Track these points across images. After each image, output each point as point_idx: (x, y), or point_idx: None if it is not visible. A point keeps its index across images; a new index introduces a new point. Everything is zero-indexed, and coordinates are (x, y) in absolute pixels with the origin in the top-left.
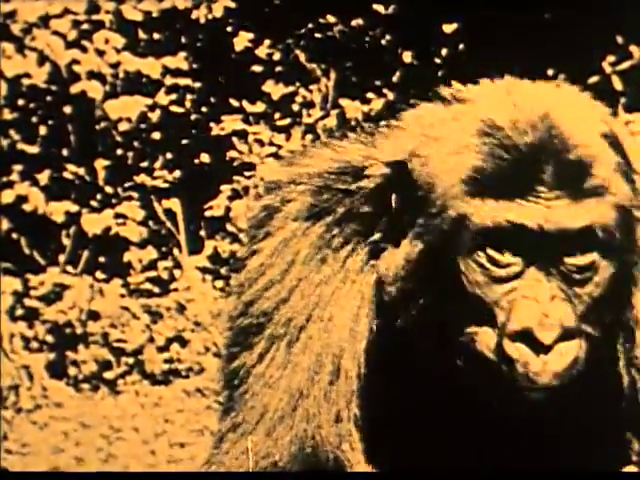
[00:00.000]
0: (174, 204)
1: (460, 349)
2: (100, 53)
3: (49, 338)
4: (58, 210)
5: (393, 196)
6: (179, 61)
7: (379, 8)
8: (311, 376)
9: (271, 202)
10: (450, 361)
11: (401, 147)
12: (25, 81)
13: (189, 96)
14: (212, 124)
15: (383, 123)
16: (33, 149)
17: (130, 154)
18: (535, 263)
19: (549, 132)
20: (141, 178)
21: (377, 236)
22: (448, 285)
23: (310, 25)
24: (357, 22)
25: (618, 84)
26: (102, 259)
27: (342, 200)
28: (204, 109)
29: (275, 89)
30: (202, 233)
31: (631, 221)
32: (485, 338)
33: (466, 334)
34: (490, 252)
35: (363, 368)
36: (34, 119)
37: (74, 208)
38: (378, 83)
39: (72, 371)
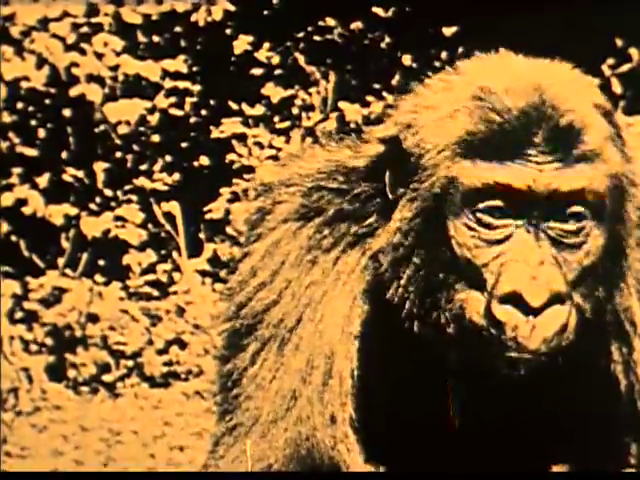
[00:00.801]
0: (173, 207)
1: (449, 315)
2: (99, 56)
3: (48, 341)
4: (57, 213)
5: (387, 173)
6: (178, 64)
7: (378, 11)
8: (303, 377)
9: (263, 204)
10: (440, 329)
11: (395, 123)
12: (24, 84)
13: (188, 99)
14: (211, 127)
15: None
16: (32, 152)
17: (129, 157)
18: (526, 226)
19: (541, 98)
20: (140, 181)
21: (372, 219)
22: (438, 249)
23: (309, 28)
24: (356, 25)
25: (617, 87)
26: (101, 262)
27: (332, 200)
28: (204, 112)
29: (275, 92)
30: (201, 236)
31: (622, 191)
32: (474, 302)
33: (455, 300)
34: (479, 214)
35: (357, 370)
36: (33, 122)
37: (73, 211)
38: (377, 86)
39: (71, 374)
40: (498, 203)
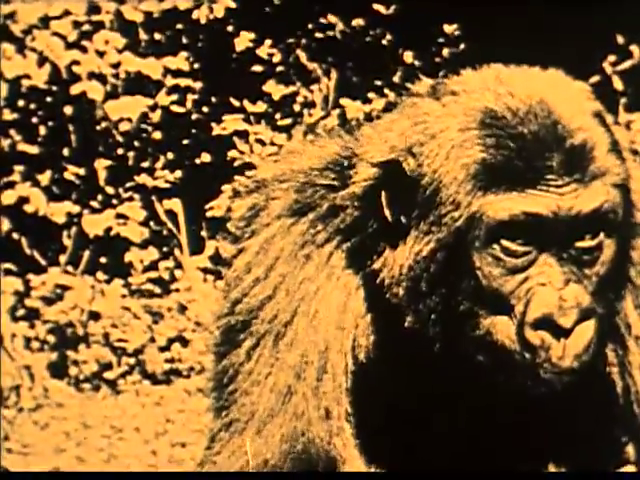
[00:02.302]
0: (175, 204)
1: (477, 342)
2: (100, 54)
3: (50, 338)
4: (59, 211)
5: (383, 195)
6: (180, 61)
7: (380, 8)
8: (298, 372)
9: (256, 201)
10: (467, 355)
11: (389, 147)
12: (25, 82)
13: (190, 96)
14: (213, 124)
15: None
16: (34, 150)
17: (131, 154)
18: (549, 249)
19: (550, 118)
20: (142, 178)
21: (363, 236)
22: (462, 280)
23: (311, 25)
24: (358, 22)
25: (619, 84)
26: (103, 259)
27: (326, 196)
28: (205, 109)
29: (276, 89)
30: (203, 233)
31: (628, 197)
32: (503, 328)
33: (482, 327)
34: (505, 243)
35: (351, 366)
36: (35, 120)
37: (75, 209)
38: (379, 83)
39: (73, 371)
40: (524, 232)
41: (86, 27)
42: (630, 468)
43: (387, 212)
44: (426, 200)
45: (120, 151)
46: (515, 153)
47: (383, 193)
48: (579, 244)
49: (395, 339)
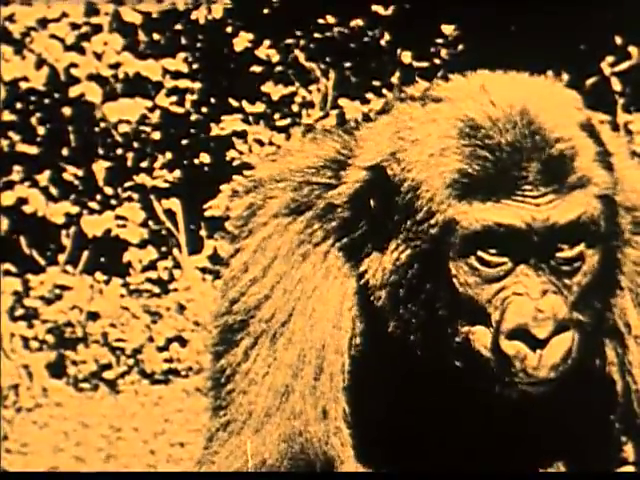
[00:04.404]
0: (174, 204)
1: (455, 349)
2: (99, 55)
3: (49, 338)
4: (58, 211)
5: (371, 201)
6: (179, 62)
7: (378, 9)
8: (295, 372)
9: (254, 200)
10: (446, 361)
11: (378, 151)
12: (23, 84)
13: (189, 97)
14: (212, 124)
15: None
16: (33, 150)
17: (130, 154)
18: (526, 260)
19: (529, 128)
20: (141, 178)
21: (353, 237)
22: (439, 288)
23: (309, 26)
24: (356, 23)
25: (617, 85)
26: (102, 259)
27: (322, 194)
28: (204, 109)
29: (275, 89)
30: (202, 233)
31: (614, 207)
32: (480, 337)
33: (461, 334)
34: (480, 253)
35: (348, 365)
36: (34, 121)
37: (74, 209)
38: (377, 83)
39: (72, 371)
40: (498, 243)
41: (84, 29)
42: (629, 468)
43: (374, 217)
44: (406, 206)
45: (119, 152)
46: (491, 163)
47: (370, 197)
48: (558, 255)
49: (382, 341)
